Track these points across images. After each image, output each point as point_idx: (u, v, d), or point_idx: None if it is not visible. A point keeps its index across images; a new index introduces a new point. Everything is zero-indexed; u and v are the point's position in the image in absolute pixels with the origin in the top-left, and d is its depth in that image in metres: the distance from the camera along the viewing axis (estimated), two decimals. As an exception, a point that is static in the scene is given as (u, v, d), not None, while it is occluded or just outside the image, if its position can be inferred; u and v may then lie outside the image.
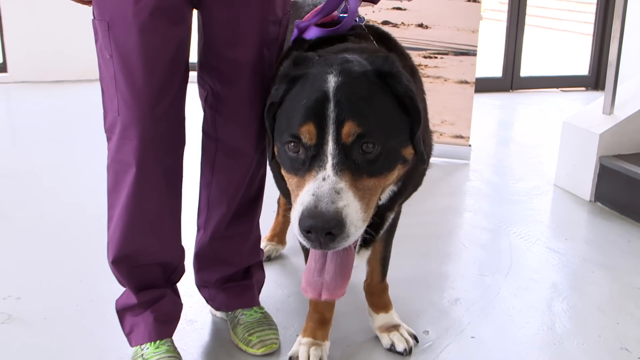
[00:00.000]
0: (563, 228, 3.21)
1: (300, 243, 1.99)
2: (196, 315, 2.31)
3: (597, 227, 3.21)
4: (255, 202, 2.16)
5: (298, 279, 2.57)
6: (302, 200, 1.37)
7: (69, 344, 2.15)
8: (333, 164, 1.37)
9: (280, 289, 2.51)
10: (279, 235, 2.78)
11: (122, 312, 2.04)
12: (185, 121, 1.96)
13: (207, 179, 2.11)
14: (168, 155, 1.90)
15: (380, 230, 1.81)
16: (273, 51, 1.98)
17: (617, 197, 3.36)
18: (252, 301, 2.21)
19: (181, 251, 2.08)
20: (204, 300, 2.29)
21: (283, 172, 1.53)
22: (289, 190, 1.64)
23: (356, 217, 1.37)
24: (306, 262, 2.03)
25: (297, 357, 2.03)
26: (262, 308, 2.22)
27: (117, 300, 2.06)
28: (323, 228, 1.32)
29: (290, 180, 1.49)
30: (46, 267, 2.64)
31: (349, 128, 1.37)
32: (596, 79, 6.63)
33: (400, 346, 2.11)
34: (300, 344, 2.06)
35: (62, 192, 3.46)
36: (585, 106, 3.89)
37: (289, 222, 2.75)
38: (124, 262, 1.94)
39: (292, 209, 1.43)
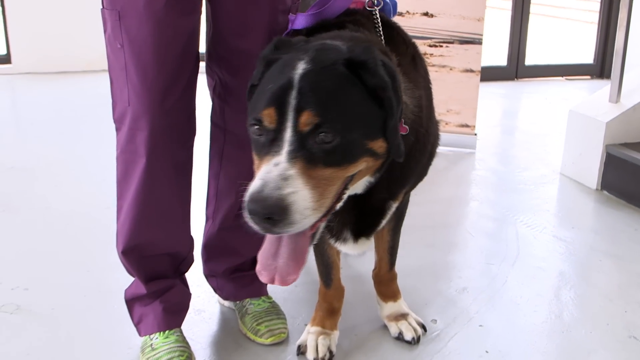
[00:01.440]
0: (570, 217, 3.21)
1: None
2: (204, 305, 2.31)
3: (604, 216, 3.21)
4: None
5: (306, 269, 2.56)
6: (252, 183, 1.37)
7: (77, 335, 2.15)
8: (288, 151, 1.36)
9: (287, 279, 2.50)
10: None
11: (131, 302, 2.04)
12: (196, 112, 1.96)
13: (215, 170, 2.11)
14: (178, 146, 1.90)
15: (382, 220, 1.81)
16: None
17: (623, 186, 3.35)
18: (260, 291, 2.22)
19: (190, 241, 2.08)
20: (212, 290, 2.29)
21: (254, 156, 1.52)
22: None
23: (303, 205, 1.35)
24: (314, 252, 2.05)
25: (306, 346, 2.03)
26: (270, 297, 2.23)
27: (126, 291, 2.06)
28: (263, 213, 1.32)
29: (255, 162, 1.49)
30: (53, 259, 2.65)
31: (306, 117, 1.36)
32: (601, 67, 6.61)
33: (408, 335, 2.11)
34: (308, 333, 2.06)
35: (68, 184, 3.47)
36: (591, 95, 3.87)
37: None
38: (134, 253, 1.94)
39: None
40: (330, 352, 2.02)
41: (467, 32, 4.00)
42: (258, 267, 1.52)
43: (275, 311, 2.17)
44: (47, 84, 5.77)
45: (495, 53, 6.57)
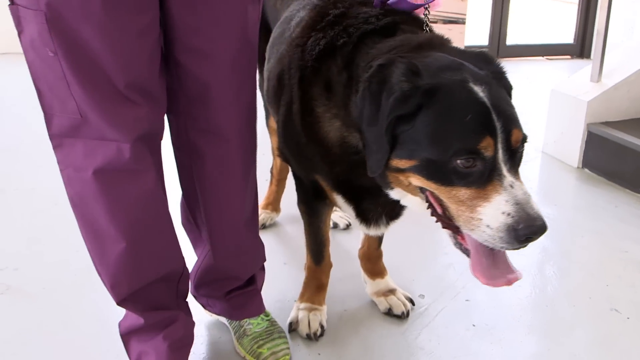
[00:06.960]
0: (552, 194, 3.26)
1: (305, 218, 2.05)
2: (202, 315, 2.15)
3: (585, 193, 3.26)
4: (254, 214, 1.94)
5: (293, 246, 2.60)
6: (504, 210, 1.37)
7: (69, 314, 2.17)
8: (508, 170, 1.40)
9: (276, 257, 2.53)
10: (273, 204, 2.80)
11: (127, 336, 1.79)
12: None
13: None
14: (156, 144, 1.66)
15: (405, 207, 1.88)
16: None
17: (604, 164, 3.41)
18: (259, 309, 2.02)
19: (181, 258, 1.81)
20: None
21: (440, 187, 1.45)
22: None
23: None
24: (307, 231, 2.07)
25: (297, 322, 2.07)
26: (268, 314, 2.05)
27: (120, 323, 1.82)
28: (544, 231, 1.37)
29: (456, 193, 1.43)
30: (42, 239, 2.65)
31: (516, 136, 1.40)
32: (581, 47, 6.66)
33: (398, 310, 2.15)
34: (299, 310, 2.09)
35: (53, 164, 3.41)
36: (573, 74, 3.92)
37: (283, 189, 2.78)
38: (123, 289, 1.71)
39: (474, 222, 1.42)
40: (322, 326, 2.06)
41: (450, 12, 4.02)
42: (484, 280, 1.55)
43: (276, 330, 2.00)
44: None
45: (477, 32, 6.59)
